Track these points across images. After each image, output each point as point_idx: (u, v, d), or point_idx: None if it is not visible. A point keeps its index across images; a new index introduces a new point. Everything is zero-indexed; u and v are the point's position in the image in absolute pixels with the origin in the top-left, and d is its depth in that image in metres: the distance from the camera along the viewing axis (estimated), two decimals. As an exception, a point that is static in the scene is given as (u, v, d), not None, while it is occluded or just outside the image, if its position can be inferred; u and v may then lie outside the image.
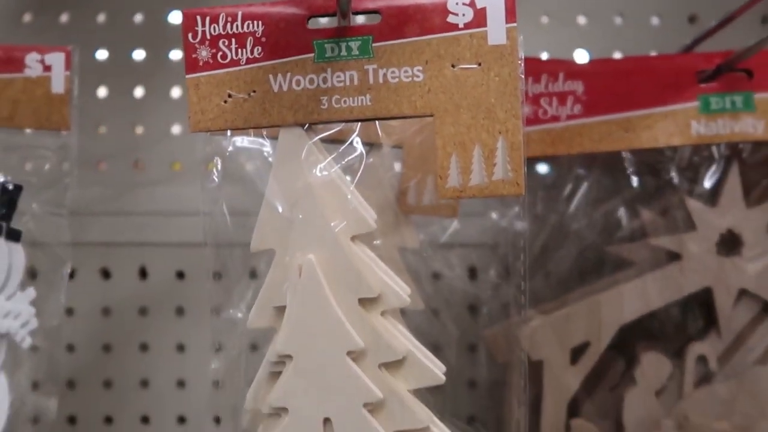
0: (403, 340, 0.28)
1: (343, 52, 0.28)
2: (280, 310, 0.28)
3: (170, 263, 0.53)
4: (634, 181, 0.44)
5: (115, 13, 0.53)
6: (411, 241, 0.37)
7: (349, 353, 0.27)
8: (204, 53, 0.28)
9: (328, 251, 0.27)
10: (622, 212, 0.45)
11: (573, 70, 0.41)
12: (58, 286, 0.38)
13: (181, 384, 0.53)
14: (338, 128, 0.29)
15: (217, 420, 0.53)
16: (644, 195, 0.44)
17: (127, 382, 0.53)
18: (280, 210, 0.28)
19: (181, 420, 0.53)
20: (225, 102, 0.28)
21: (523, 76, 0.28)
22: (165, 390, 0.53)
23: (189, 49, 0.28)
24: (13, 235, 0.37)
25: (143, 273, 0.53)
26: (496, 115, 0.27)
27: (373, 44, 0.28)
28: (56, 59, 0.37)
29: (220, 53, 0.28)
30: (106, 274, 0.53)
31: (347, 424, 0.27)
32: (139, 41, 0.53)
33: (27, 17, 0.53)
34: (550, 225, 0.46)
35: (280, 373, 0.28)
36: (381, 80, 0.27)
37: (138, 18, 0.53)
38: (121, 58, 0.53)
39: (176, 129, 0.54)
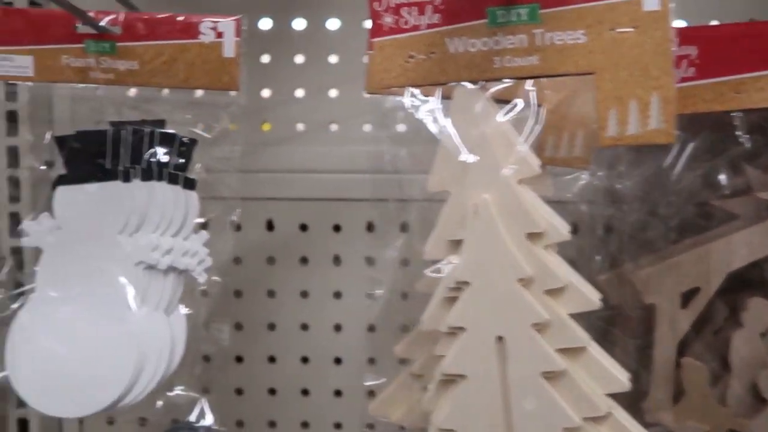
0: (564, 270, 0.32)
1: (513, 18, 0.32)
2: (453, 243, 0.32)
3: (294, 217, 0.58)
4: (739, 139, 0.47)
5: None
6: (548, 189, 0.41)
7: (519, 280, 0.31)
8: (388, 20, 0.33)
9: (500, 192, 0.31)
10: (726, 169, 0.48)
11: (688, 35, 0.44)
12: (226, 232, 0.43)
13: (304, 327, 0.58)
14: (501, 87, 0.33)
15: (338, 360, 0.59)
16: (748, 153, 0.47)
17: (255, 324, 0.58)
18: (457, 156, 0.32)
19: (305, 360, 0.59)
20: (407, 62, 0.33)
21: (674, 39, 0.31)
22: (290, 332, 0.58)
23: (375, 16, 0.33)
24: (189, 184, 0.42)
25: (270, 225, 0.58)
26: (650, 73, 0.31)
27: (540, 11, 0.31)
28: (228, 26, 0.41)
29: (402, 19, 0.32)
30: (237, 226, 0.58)
31: (518, 341, 0.31)
32: (267, 13, 0.58)
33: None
34: (657, 181, 0.49)
35: (454, 298, 0.32)
36: (548, 42, 0.31)
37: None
38: (251, 27, 0.57)
39: (299, 93, 0.58)
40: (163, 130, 0.42)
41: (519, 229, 0.31)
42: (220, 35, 0.41)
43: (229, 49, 0.41)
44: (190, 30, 0.41)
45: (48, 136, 0.43)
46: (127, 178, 0.41)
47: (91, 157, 0.42)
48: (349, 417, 0.59)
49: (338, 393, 0.59)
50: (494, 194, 0.31)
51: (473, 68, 0.32)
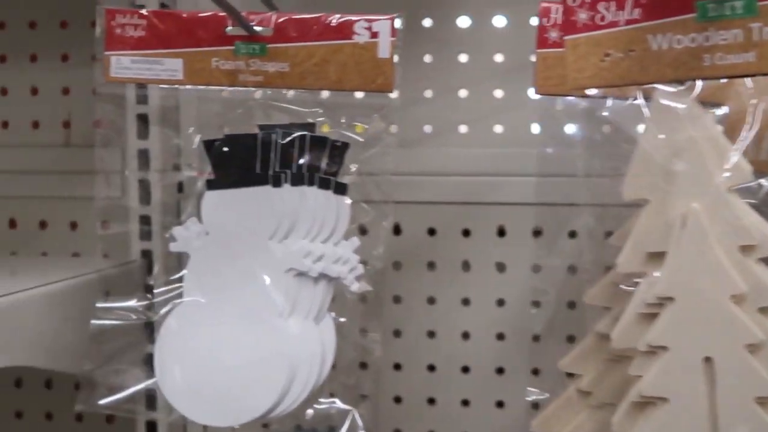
0: (779, 286, 0.29)
1: (727, 11, 0.29)
2: (652, 255, 0.30)
3: (422, 220, 0.56)
4: None
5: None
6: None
7: (731, 297, 0.29)
8: (583, 16, 0.30)
9: (710, 200, 0.29)
10: None
11: None
12: (380, 238, 0.42)
13: (431, 334, 0.57)
14: (708, 87, 0.30)
15: (465, 369, 0.57)
16: None
17: (383, 331, 0.57)
18: (658, 161, 0.30)
19: (431, 368, 0.57)
20: (602, 61, 0.30)
21: None
22: (416, 339, 0.57)
23: (568, 13, 0.30)
24: (340, 189, 0.41)
25: (397, 229, 0.57)
26: None
27: (758, 3, 0.29)
28: (383, 26, 0.40)
29: (598, 15, 0.30)
30: (362, 230, 0.57)
31: (728, 362, 0.29)
32: (394, 11, 0.56)
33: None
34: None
35: (653, 314, 0.30)
36: (766, 38, 0.29)
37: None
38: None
39: (428, 93, 0.56)
40: (314, 134, 0.41)
41: (731, 242, 0.29)
42: (375, 35, 0.40)
43: (384, 49, 0.40)
44: (344, 30, 0.40)
45: (197, 140, 0.42)
46: (277, 183, 0.40)
47: (240, 161, 0.41)
48: (477, 426, 0.57)
49: (466, 402, 0.57)
50: (704, 203, 0.29)
51: (679, 66, 0.29)
